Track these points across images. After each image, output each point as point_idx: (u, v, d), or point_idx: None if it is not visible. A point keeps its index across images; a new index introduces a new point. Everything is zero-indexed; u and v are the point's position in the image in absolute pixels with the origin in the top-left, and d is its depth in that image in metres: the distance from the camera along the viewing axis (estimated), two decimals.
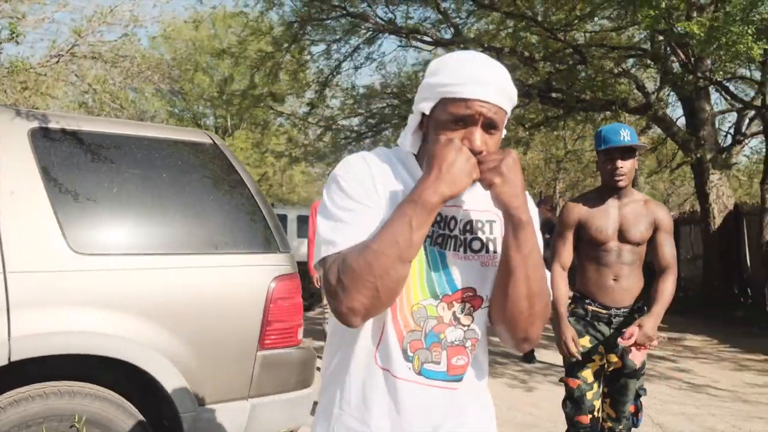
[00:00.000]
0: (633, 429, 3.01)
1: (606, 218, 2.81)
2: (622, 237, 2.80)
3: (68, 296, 2.32)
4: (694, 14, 8.32)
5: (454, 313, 1.27)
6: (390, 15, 10.95)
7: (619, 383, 2.89)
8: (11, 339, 2.16)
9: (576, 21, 10.35)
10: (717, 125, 11.88)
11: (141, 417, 2.44)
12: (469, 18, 11.66)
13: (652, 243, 2.87)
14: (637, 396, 2.94)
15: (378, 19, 10.58)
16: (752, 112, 10.40)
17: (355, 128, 13.11)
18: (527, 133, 14.66)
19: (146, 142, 2.69)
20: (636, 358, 2.80)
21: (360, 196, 1.24)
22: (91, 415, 2.30)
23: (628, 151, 2.74)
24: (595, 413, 2.84)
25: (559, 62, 10.66)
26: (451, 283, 1.27)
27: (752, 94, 10.57)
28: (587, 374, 2.86)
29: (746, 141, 11.52)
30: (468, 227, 1.30)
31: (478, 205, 1.31)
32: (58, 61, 12.48)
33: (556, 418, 4.08)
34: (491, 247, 1.31)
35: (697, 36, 4.28)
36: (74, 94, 15.48)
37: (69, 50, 11.47)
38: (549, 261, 2.81)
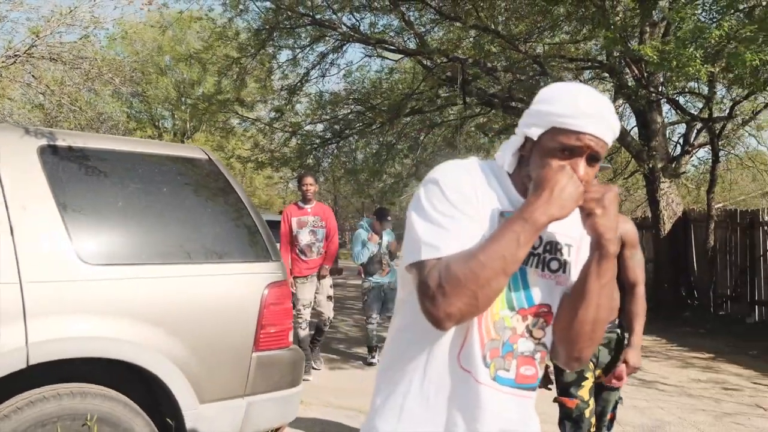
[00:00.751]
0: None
1: None
2: None
3: (79, 304, 2.48)
4: (647, 29, 8.83)
5: (527, 326, 1.34)
6: (354, 22, 11.20)
7: (600, 396, 2.94)
8: (29, 344, 2.32)
9: (536, 33, 10.77)
10: (668, 136, 12.48)
11: (146, 416, 2.61)
12: (432, 28, 11.98)
13: (618, 258, 2.99)
14: (615, 405, 3.00)
15: (344, 27, 10.80)
16: (700, 124, 10.98)
17: (320, 134, 13.29)
18: (488, 139, 15.11)
19: (147, 158, 2.87)
20: (619, 384, 2.91)
21: (461, 205, 1.27)
22: (102, 415, 2.47)
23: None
24: (591, 429, 2.87)
25: (520, 73, 11.04)
26: (528, 298, 1.34)
27: (700, 106, 11.17)
28: (584, 393, 2.85)
29: (694, 151, 12.12)
30: (549, 247, 1.36)
31: (559, 228, 1.36)
32: (14, 62, 12.27)
33: None
34: (566, 269, 1.38)
35: (650, 58, 4.67)
36: (31, 95, 15.17)
37: (26, 51, 11.32)
38: None
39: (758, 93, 7.71)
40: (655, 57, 4.52)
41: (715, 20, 4.60)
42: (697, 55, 4.63)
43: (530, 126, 1.31)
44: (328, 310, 6.13)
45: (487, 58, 10.60)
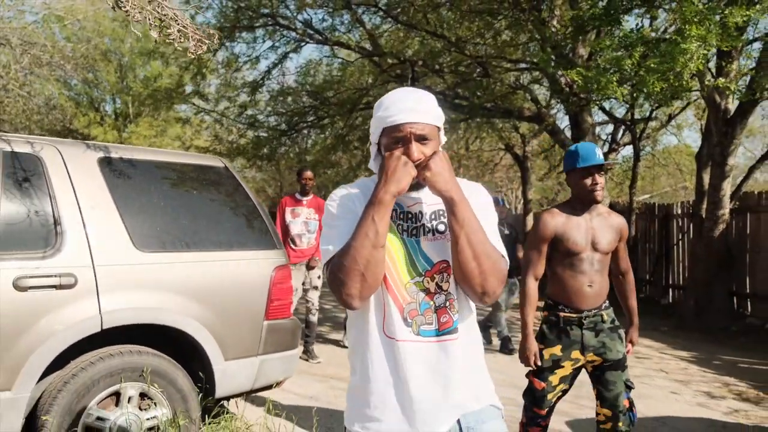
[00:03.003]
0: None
1: (579, 231, 3.00)
2: (595, 247, 3.02)
3: (135, 282, 3.18)
4: (580, 40, 9.80)
5: (436, 282, 1.60)
6: (307, 17, 11.79)
7: (604, 378, 3.04)
8: (102, 313, 3.01)
9: (480, 37, 11.64)
10: (597, 135, 13.67)
11: (184, 370, 3.33)
12: (382, 26, 12.70)
13: (614, 251, 3.14)
14: (628, 388, 3.05)
15: (299, 23, 11.39)
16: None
17: (275, 126, 13.84)
18: None
19: (179, 166, 3.57)
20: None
21: (343, 212, 1.61)
22: (153, 368, 3.18)
23: (601, 168, 2.98)
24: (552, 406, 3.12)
25: (464, 74, 11.91)
26: (428, 261, 1.61)
27: (624, 111, 12.37)
28: (554, 379, 3.04)
29: (620, 149, 13.35)
30: (434, 216, 1.64)
31: (439, 201, 1.62)
32: None
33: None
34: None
35: (576, 82, 5.61)
36: None
37: None
38: (523, 269, 3.11)
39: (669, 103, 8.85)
40: (580, 80, 5.46)
41: (629, 50, 5.59)
42: (614, 79, 5.61)
43: (374, 134, 1.64)
44: (314, 298, 6.31)
45: (433, 59, 11.41)
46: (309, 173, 6.38)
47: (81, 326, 2.97)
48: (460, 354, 1.59)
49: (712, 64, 8.14)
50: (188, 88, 13.01)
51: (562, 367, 3.03)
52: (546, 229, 3.01)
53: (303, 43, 11.31)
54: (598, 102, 7.18)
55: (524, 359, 3.07)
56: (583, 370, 3.14)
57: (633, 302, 3.25)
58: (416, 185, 1.58)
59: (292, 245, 6.14)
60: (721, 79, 6.88)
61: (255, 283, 3.56)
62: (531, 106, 12.95)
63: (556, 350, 3.03)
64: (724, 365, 6.68)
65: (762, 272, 8.69)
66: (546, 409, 3.08)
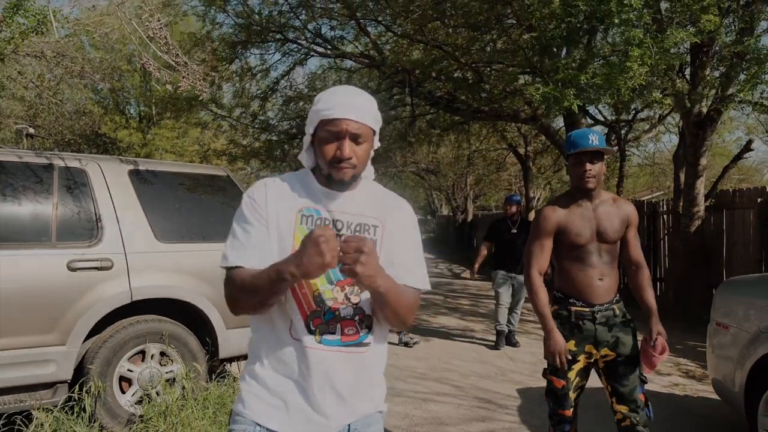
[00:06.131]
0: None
1: (582, 221, 2.85)
2: (601, 237, 2.86)
3: (157, 266, 4.11)
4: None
5: (345, 294, 1.57)
6: (316, 25, 12.66)
7: (618, 372, 2.88)
8: (131, 289, 3.94)
9: (475, 45, 12.40)
10: None
11: (194, 335, 4.26)
12: (384, 35, 13.52)
13: (623, 240, 2.96)
14: (642, 382, 2.91)
15: (309, 35, 12.27)
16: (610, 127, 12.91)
17: (286, 129, 14.77)
18: (438, 133, 16.76)
19: (190, 175, 4.49)
20: (664, 357, 2.89)
21: (253, 218, 1.57)
22: (170, 333, 4.12)
23: (596, 155, 2.80)
24: (574, 401, 2.97)
25: (461, 80, 12.66)
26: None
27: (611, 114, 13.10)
28: (572, 375, 2.91)
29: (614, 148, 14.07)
30: (358, 229, 1.60)
31: (365, 212, 1.63)
32: (2, 59, 13.54)
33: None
34: (376, 245, 1.60)
35: (535, 98, 6.45)
36: (13, 88, 16.14)
37: (13, 50, 12.56)
38: (525, 264, 3.00)
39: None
40: (538, 96, 6.30)
41: (583, 69, 6.41)
42: (572, 92, 6.44)
43: (309, 125, 1.60)
44: None
45: (430, 67, 12.19)
46: None
47: (115, 299, 3.91)
48: (363, 367, 1.60)
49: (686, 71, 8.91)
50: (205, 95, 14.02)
51: (578, 361, 2.92)
52: (547, 222, 2.89)
53: (309, 56, 12.21)
54: (560, 112, 7.91)
55: (552, 356, 2.86)
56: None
57: (649, 294, 2.99)
58: (339, 186, 1.60)
59: None
60: (678, 84, 7.64)
61: None
62: (527, 108, 13.65)
63: (571, 345, 2.90)
64: (685, 349, 7.27)
65: (738, 265, 9.24)
66: (570, 410, 2.95)
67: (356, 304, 1.58)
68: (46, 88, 16.09)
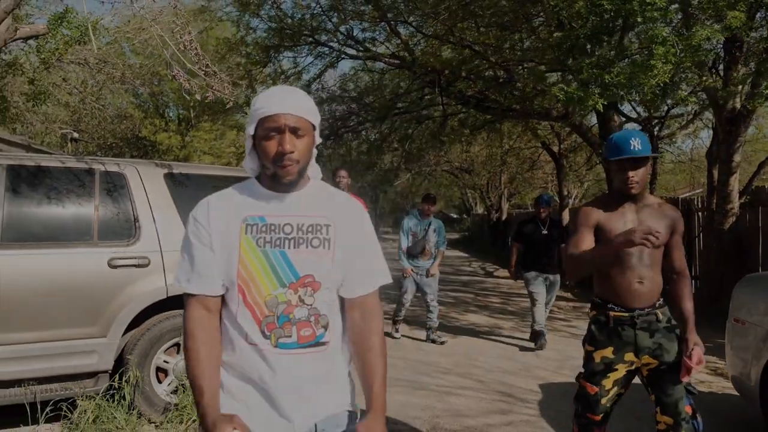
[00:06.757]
0: None
1: (623, 222, 2.74)
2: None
3: None
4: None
5: (299, 296, 1.57)
6: (348, 27, 12.88)
7: (662, 381, 2.76)
8: (167, 285, 4.20)
9: (508, 46, 12.45)
10: None
11: None
12: (415, 36, 13.66)
13: (667, 245, 2.82)
14: (689, 393, 2.76)
15: (340, 35, 12.50)
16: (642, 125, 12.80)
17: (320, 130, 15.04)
18: (469, 132, 16.81)
19: (221, 177, 4.73)
20: (698, 368, 2.67)
21: (197, 241, 1.60)
22: None
23: (639, 160, 2.68)
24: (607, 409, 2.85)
25: (491, 79, 12.72)
26: (294, 274, 1.56)
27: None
28: (607, 382, 2.80)
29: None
30: (310, 230, 1.60)
31: (315, 212, 1.63)
32: (47, 68, 14.11)
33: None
34: (327, 245, 1.61)
35: (559, 97, 6.51)
36: (58, 94, 16.81)
37: (57, 59, 13.11)
38: (564, 251, 2.92)
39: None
40: (562, 96, 6.36)
41: (607, 68, 6.46)
42: (596, 92, 6.49)
43: (249, 126, 1.61)
44: None
45: (459, 67, 12.28)
46: (343, 172, 6.61)
47: (152, 294, 4.17)
48: (323, 365, 1.61)
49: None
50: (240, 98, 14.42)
51: (616, 370, 2.80)
52: (587, 217, 2.78)
53: (340, 58, 12.45)
54: (587, 111, 7.93)
55: (639, 233, 2.45)
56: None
57: (689, 305, 2.82)
58: (286, 187, 1.62)
59: None
60: (710, 80, 7.60)
61: None
62: (558, 106, 13.62)
63: (608, 352, 2.79)
64: (715, 347, 7.13)
65: None
66: (601, 415, 2.84)
67: (311, 305, 1.58)
68: (89, 94, 16.75)
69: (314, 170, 1.71)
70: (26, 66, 12.72)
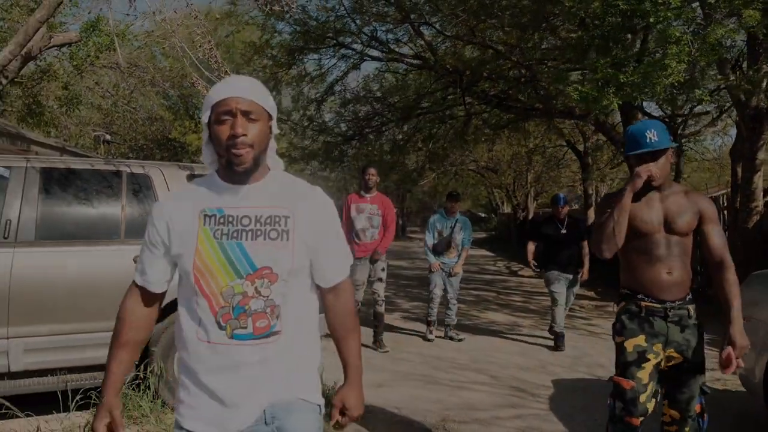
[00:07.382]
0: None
1: (649, 210, 2.70)
2: (669, 228, 2.68)
3: None
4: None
5: (255, 287, 1.57)
6: (373, 29, 13.07)
7: (680, 379, 2.69)
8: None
9: (530, 45, 12.47)
10: None
11: None
12: (438, 37, 13.78)
13: (700, 235, 2.72)
14: (702, 393, 2.70)
15: (364, 35, 12.67)
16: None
17: (344, 131, 15.27)
18: (492, 132, 16.83)
19: None
20: (728, 372, 2.56)
21: (153, 241, 1.65)
22: None
23: (657, 152, 2.64)
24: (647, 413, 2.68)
25: (514, 79, 12.77)
26: (251, 265, 1.56)
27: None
28: (643, 375, 2.65)
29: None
30: (268, 221, 1.60)
31: (274, 203, 1.62)
32: (81, 74, 14.55)
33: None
34: (285, 237, 1.60)
35: (573, 98, 6.57)
36: (91, 98, 17.33)
37: (90, 64, 13.54)
38: (592, 232, 2.80)
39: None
40: (576, 95, 6.43)
41: (621, 67, 6.52)
42: (611, 91, 6.55)
43: (204, 115, 1.62)
44: (380, 290, 6.58)
45: (481, 67, 12.35)
46: (372, 170, 6.59)
47: (175, 289, 4.37)
48: (277, 354, 1.60)
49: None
50: None
51: (648, 360, 2.66)
52: (611, 204, 2.70)
53: (363, 60, 12.65)
54: (604, 110, 7.96)
55: (642, 172, 2.63)
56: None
57: (733, 292, 2.62)
58: (242, 176, 1.61)
59: (356, 239, 6.43)
60: (731, 79, 7.58)
61: None
62: (580, 104, 13.58)
63: (640, 341, 2.68)
64: None
65: None
66: (639, 419, 2.64)
67: (267, 296, 1.58)
68: (120, 97, 17.24)
69: (275, 162, 1.72)
70: (60, 72, 13.23)
